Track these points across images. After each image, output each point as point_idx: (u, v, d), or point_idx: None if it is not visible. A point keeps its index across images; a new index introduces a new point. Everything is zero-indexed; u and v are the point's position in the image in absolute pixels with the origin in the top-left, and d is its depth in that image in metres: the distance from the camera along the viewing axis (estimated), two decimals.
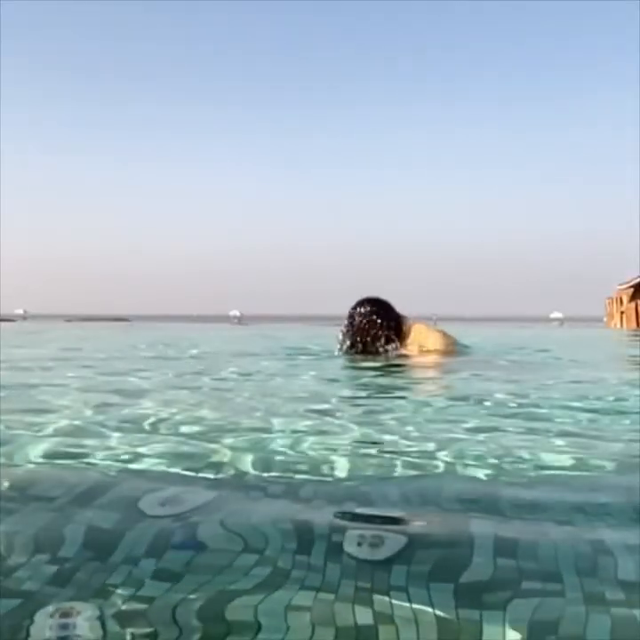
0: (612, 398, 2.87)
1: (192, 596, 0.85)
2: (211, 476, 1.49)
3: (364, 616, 0.81)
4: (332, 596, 0.86)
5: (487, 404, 2.65)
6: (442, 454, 1.72)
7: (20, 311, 57.07)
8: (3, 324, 16.16)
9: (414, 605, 0.83)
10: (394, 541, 1.03)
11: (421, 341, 5.60)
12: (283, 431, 2.00)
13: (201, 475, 1.49)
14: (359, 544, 1.02)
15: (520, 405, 2.61)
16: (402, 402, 2.94)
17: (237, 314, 55.55)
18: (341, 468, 1.60)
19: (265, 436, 1.92)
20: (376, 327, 5.64)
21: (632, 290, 25.80)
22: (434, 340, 5.62)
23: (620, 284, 26.48)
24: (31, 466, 1.56)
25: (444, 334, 5.78)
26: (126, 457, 1.65)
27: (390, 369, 4.48)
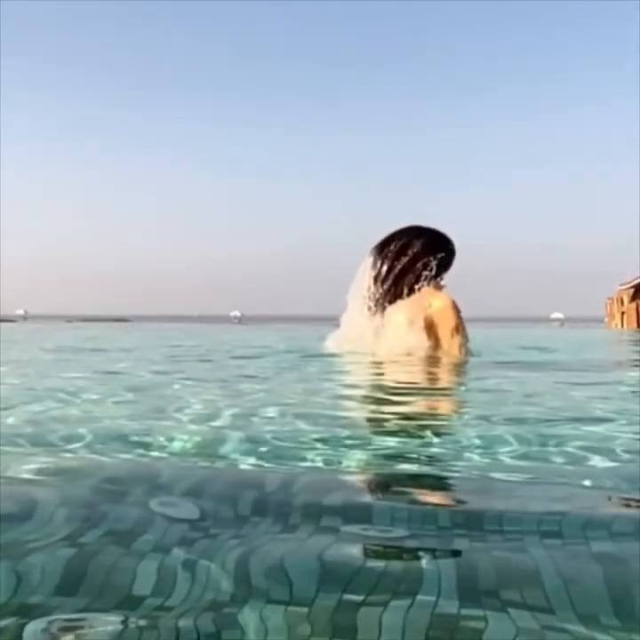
0: None
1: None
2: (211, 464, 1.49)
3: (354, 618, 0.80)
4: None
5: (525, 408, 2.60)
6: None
7: (21, 312, 57.11)
8: (3, 324, 16.15)
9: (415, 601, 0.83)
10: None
11: (424, 307, 4.90)
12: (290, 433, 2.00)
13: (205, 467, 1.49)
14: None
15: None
16: (411, 400, 2.93)
17: (238, 314, 55.65)
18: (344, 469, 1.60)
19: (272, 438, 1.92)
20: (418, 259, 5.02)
21: (633, 290, 25.78)
22: (446, 319, 4.87)
23: (621, 285, 26.46)
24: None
25: (464, 329, 5.00)
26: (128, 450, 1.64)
27: (390, 365, 4.45)
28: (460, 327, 4.98)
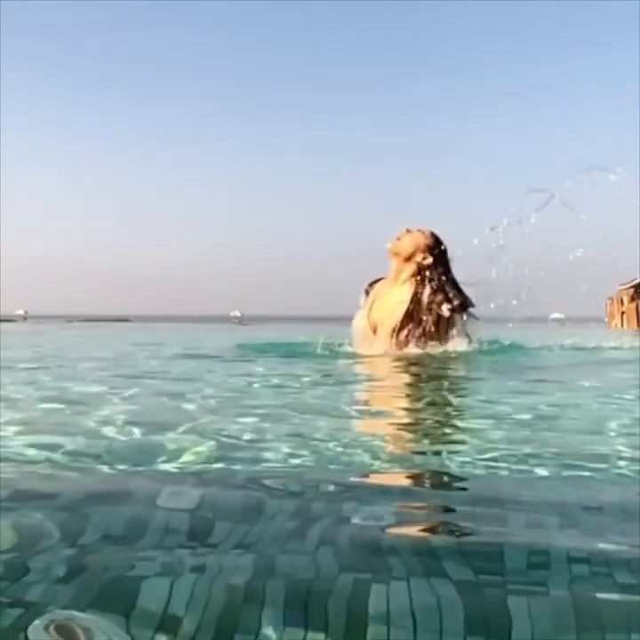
0: None
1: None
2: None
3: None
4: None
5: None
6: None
7: (21, 312, 56.96)
8: (3, 324, 16.11)
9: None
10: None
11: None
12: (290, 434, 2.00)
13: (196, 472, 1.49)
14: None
15: None
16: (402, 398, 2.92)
17: (238, 314, 55.60)
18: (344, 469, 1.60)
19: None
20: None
21: (633, 290, 25.76)
22: None
23: (621, 285, 26.44)
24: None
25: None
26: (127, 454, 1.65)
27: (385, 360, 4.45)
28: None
